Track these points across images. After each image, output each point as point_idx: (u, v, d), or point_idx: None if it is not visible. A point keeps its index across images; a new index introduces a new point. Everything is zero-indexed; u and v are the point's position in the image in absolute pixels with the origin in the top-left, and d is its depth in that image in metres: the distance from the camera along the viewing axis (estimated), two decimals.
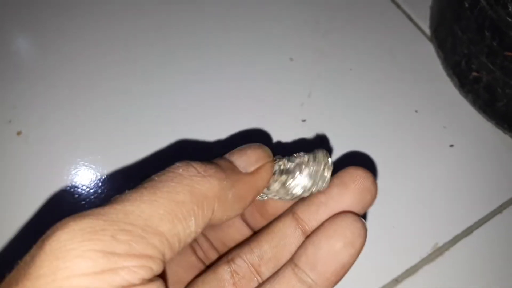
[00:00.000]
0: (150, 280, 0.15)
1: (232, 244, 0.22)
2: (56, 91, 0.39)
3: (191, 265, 0.22)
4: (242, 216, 0.22)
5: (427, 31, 0.45)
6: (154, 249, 0.15)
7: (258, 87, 0.40)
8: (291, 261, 0.20)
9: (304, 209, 0.20)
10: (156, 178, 0.16)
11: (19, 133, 0.36)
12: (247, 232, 0.22)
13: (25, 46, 0.42)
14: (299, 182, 0.19)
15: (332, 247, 0.18)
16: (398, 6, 0.46)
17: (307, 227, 0.20)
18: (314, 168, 0.19)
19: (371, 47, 0.44)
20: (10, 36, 0.42)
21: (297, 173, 0.19)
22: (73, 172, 0.35)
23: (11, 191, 0.34)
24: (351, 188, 0.19)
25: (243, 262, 0.21)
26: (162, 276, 0.16)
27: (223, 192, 0.17)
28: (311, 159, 0.20)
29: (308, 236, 0.20)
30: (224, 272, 0.21)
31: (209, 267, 0.22)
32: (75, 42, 0.41)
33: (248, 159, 0.19)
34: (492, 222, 0.36)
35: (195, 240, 0.22)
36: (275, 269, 0.20)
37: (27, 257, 0.14)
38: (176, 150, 0.37)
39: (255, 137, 0.38)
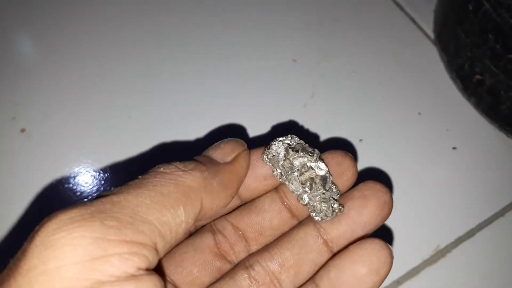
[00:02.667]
0: (147, 273, 0.14)
1: (268, 230, 0.21)
2: (60, 89, 0.39)
3: (207, 264, 0.21)
4: (282, 199, 0.22)
5: (431, 34, 0.45)
6: (144, 236, 0.14)
7: (261, 88, 0.41)
8: (312, 281, 0.20)
9: None
10: (140, 177, 0.17)
11: (22, 130, 0.37)
12: (286, 215, 0.21)
13: (29, 45, 0.42)
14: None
15: (356, 272, 0.18)
16: (401, 9, 0.46)
17: (328, 236, 0.20)
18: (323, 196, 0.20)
19: (375, 50, 0.44)
20: (14, 35, 0.42)
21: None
22: (76, 169, 0.35)
23: (15, 187, 0.34)
24: (372, 202, 0.20)
25: (262, 269, 0.20)
26: (160, 274, 0.15)
27: (207, 181, 0.17)
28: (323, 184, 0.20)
29: (332, 258, 0.20)
30: (242, 278, 0.20)
31: (228, 261, 0.21)
32: (78, 41, 0.42)
33: (223, 151, 0.19)
34: (494, 225, 0.36)
35: (219, 231, 0.21)
36: (296, 277, 0.20)
37: (19, 253, 0.14)
38: (179, 150, 0.37)
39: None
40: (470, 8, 0.37)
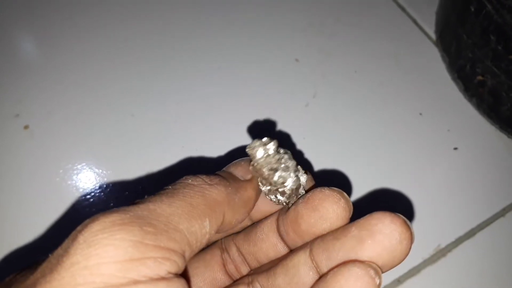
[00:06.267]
0: (176, 276, 0.15)
1: (264, 260, 0.22)
2: (63, 86, 0.39)
3: (216, 281, 0.23)
4: (279, 231, 0.21)
5: (432, 35, 0.45)
6: (176, 243, 0.16)
7: (264, 87, 0.41)
8: None
9: (319, 251, 0.19)
10: (171, 187, 0.18)
11: (26, 127, 0.37)
12: (281, 249, 0.21)
13: (32, 42, 0.42)
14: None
15: None
16: (403, 10, 0.47)
17: (319, 270, 0.19)
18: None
19: (376, 50, 0.44)
20: (18, 32, 0.42)
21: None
22: (78, 167, 0.35)
23: (17, 184, 0.34)
24: (368, 245, 0.17)
25: (261, 287, 0.21)
26: (186, 278, 0.16)
27: (230, 197, 0.19)
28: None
29: (314, 285, 0.18)
30: None
31: (233, 280, 0.23)
32: (82, 39, 0.42)
33: (243, 169, 0.21)
34: (495, 225, 0.36)
35: (226, 250, 0.23)
36: None
37: (59, 250, 0.15)
38: (179, 149, 0.37)
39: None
40: (472, 9, 0.37)
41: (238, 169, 0.21)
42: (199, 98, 0.39)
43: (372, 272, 0.16)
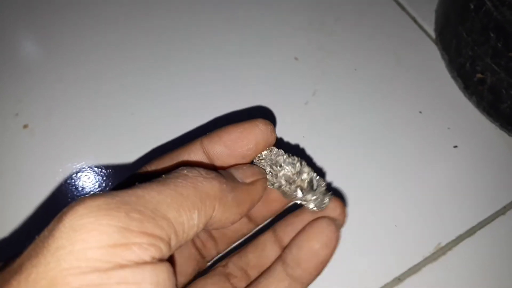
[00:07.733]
0: (160, 261, 0.15)
1: (231, 234, 0.25)
2: (63, 85, 0.39)
3: (191, 256, 0.24)
4: None
5: (432, 33, 0.45)
6: (162, 230, 0.16)
7: (264, 85, 0.41)
8: (280, 258, 0.23)
9: (282, 228, 0.24)
10: (164, 176, 0.18)
11: (25, 126, 0.37)
12: (244, 221, 0.24)
13: (32, 41, 0.42)
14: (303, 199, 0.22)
15: (312, 248, 0.22)
16: (403, 8, 0.47)
17: (282, 244, 0.24)
18: (314, 197, 0.22)
19: (376, 49, 0.44)
20: (18, 31, 0.43)
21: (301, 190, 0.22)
22: (78, 165, 0.35)
23: (17, 183, 0.34)
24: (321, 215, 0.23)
25: (234, 266, 0.24)
26: (171, 263, 0.17)
27: (224, 193, 0.18)
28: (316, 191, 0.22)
29: (293, 238, 0.23)
30: (221, 274, 0.24)
31: (204, 257, 0.25)
32: (82, 38, 0.42)
33: (244, 172, 0.21)
34: (495, 223, 0.36)
35: None
36: (260, 272, 0.24)
37: (45, 232, 0.15)
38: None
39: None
40: (472, 6, 0.37)
41: (238, 171, 0.21)
42: (199, 96, 0.39)
43: (335, 221, 0.22)
